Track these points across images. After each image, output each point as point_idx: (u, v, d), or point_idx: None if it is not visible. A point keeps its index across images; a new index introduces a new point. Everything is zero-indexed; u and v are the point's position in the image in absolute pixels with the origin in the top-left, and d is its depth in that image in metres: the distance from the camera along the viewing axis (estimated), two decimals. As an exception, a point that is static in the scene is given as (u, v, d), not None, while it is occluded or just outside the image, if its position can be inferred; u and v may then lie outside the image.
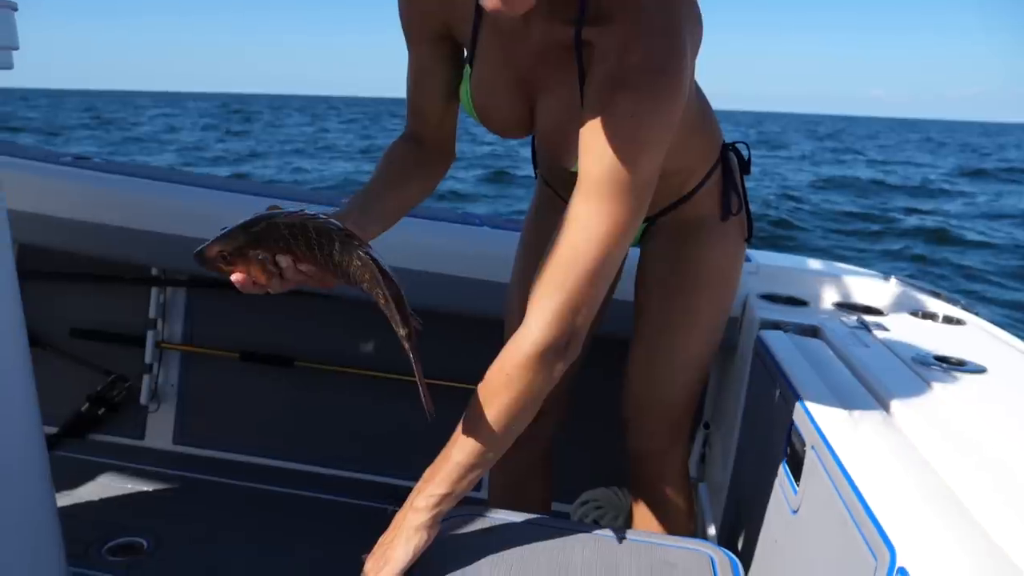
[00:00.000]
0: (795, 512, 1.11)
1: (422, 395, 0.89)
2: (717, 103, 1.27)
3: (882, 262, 9.19)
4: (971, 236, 11.43)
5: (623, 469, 1.46)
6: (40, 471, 1.43)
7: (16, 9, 1.21)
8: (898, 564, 0.76)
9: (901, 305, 1.76)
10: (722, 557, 1.02)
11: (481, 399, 0.94)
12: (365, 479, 2.19)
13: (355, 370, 2.18)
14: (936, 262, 9.62)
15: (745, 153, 1.31)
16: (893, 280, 1.93)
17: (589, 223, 0.89)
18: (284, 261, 0.89)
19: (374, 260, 0.86)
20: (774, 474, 1.22)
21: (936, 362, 1.27)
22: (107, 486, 2.06)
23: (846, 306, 1.75)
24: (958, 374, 1.22)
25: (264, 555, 1.81)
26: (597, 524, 1.20)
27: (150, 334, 2.24)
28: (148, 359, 2.24)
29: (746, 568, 1.02)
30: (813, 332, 1.52)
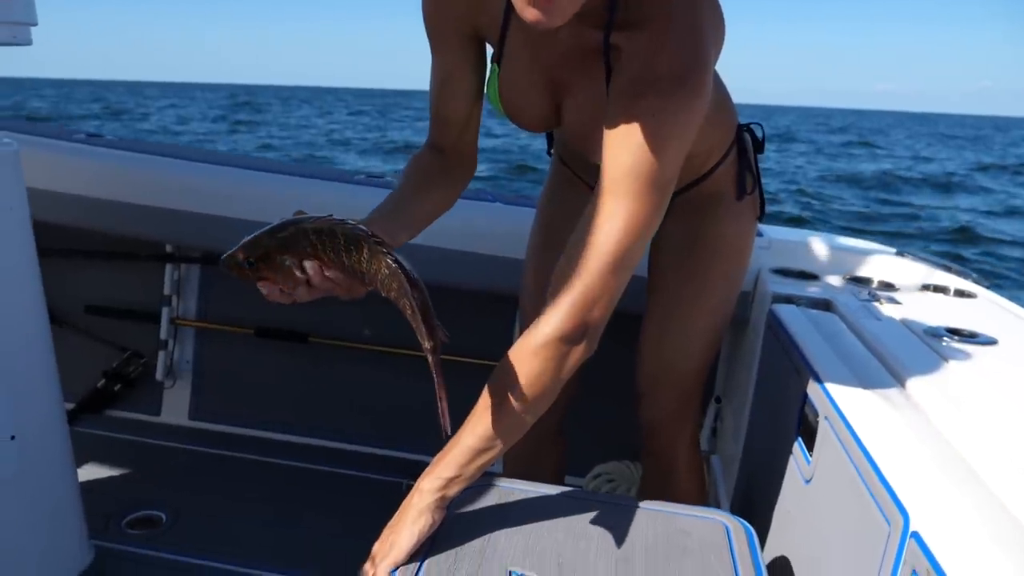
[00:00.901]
0: (808, 482, 1.12)
1: (440, 411, 0.88)
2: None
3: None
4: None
5: (635, 443, 1.47)
6: (62, 447, 1.46)
7: None
8: (912, 529, 0.77)
9: (912, 278, 1.77)
10: (736, 525, 1.03)
11: (495, 386, 0.95)
12: (379, 453, 2.22)
13: (369, 346, 2.20)
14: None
15: (759, 133, 1.33)
16: (905, 254, 1.94)
17: (611, 218, 0.91)
18: (311, 267, 0.87)
19: (403, 268, 0.85)
20: (787, 445, 1.23)
21: (948, 334, 1.28)
22: (124, 461, 2.09)
23: (858, 280, 1.75)
24: (969, 346, 1.23)
25: (280, 528, 1.84)
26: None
27: (165, 311, 2.26)
28: (163, 335, 2.26)
29: (760, 537, 1.03)
30: (825, 306, 1.53)
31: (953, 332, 1.29)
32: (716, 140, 1.25)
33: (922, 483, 0.82)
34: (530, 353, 0.94)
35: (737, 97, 1.36)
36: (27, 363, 1.37)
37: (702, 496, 1.45)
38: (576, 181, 1.36)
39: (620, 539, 0.99)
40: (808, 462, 1.13)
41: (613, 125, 0.92)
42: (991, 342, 1.26)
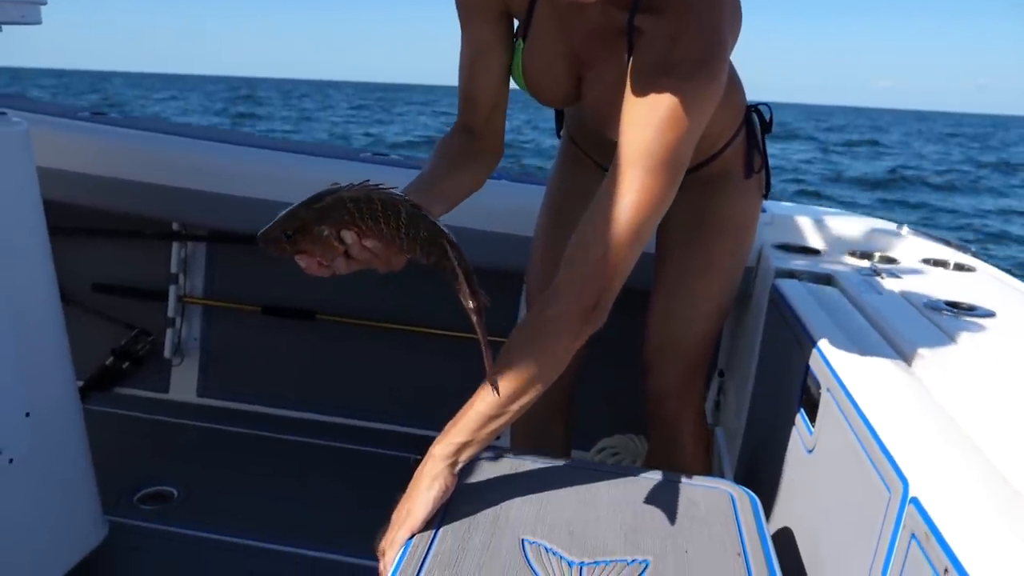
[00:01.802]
0: (810, 452, 1.14)
1: (487, 366, 0.90)
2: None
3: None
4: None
5: (639, 417, 1.49)
6: (76, 423, 1.48)
7: None
8: (911, 495, 0.79)
9: (913, 253, 1.78)
10: (741, 494, 1.06)
11: (508, 353, 0.97)
12: (387, 429, 2.24)
13: (376, 323, 2.22)
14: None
15: (767, 114, 1.36)
16: (905, 228, 1.95)
17: (626, 192, 0.94)
18: (349, 237, 0.87)
19: (443, 231, 0.85)
20: (789, 417, 1.26)
21: (947, 307, 1.30)
22: (134, 438, 2.12)
23: (859, 254, 1.77)
24: (968, 319, 1.25)
25: (289, 502, 1.86)
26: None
27: (172, 289, 2.27)
28: (171, 313, 2.28)
29: (764, 506, 1.05)
30: (827, 280, 1.54)
31: (952, 305, 1.31)
32: (728, 121, 1.27)
33: (921, 451, 0.84)
34: (544, 322, 0.96)
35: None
36: (40, 341, 1.39)
37: (708, 467, 1.48)
38: (586, 161, 1.38)
39: (629, 508, 1.01)
40: (810, 433, 1.15)
41: (632, 104, 0.96)
42: (989, 314, 1.28)
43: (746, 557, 0.92)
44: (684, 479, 1.09)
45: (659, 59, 0.95)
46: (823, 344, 1.16)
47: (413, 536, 0.93)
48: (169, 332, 2.29)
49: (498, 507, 0.99)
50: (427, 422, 2.21)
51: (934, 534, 0.72)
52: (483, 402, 0.96)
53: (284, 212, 0.86)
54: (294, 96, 61.99)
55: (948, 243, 1.85)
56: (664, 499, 1.03)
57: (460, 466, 0.97)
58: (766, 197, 1.39)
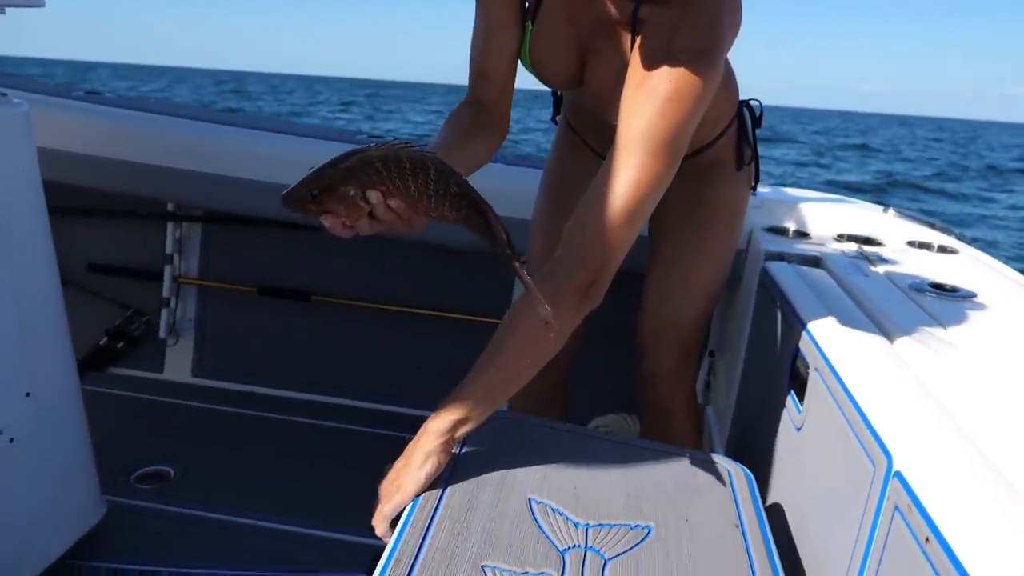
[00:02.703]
0: (799, 429, 1.17)
1: (538, 304, 0.88)
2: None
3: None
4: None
5: (632, 397, 1.52)
6: (75, 403, 1.49)
7: None
8: (895, 469, 0.82)
9: (898, 235, 1.82)
10: (737, 470, 1.09)
11: (505, 332, 0.99)
12: (382, 409, 2.26)
13: (372, 304, 2.24)
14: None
15: (758, 108, 1.40)
16: (891, 211, 1.99)
17: (625, 173, 0.98)
18: (374, 196, 0.87)
19: (472, 187, 0.86)
20: (779, 396, 1.29)
21: (931, 289, 1.33)
22: (129, 418, 2.13)
23: (846, 237, 1.80)
24: (951, 300, 1.29)
25: (285, 481, 1.88)
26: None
27: (167, 269, 2.28)
28: (166, 293, 2.28)
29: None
30: (815, 262, 1.57)
31: (936, 287, 1.34)
32: (722, 111, 1.31)
33: (904, 427, 0.87)
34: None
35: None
36: (41, 322, 1.40)
37: (699, 445, 1.52)
38: (583, 147, 1.42)
39: (630, 475, 1.03)
40: (799, 411, 1.18)
41: (633, 90, 1.00)
42: (970, 296, 1.32)
43: (743, 529, 0.96)
44: (682, 452, 1.12)
45: (661, 47, 0.99)
46: (811, 325, 1.19)
47: (403, 511, 0.94)
48: (164, 312, 2.29)
49: (504, 468, 1.00)
50: (422, 402, 2.23)
51: (916, 506, 0.75)
52: (480, 380, 0.98)
53: (309, 173, 0.86)
54: (282, 91, 61.23)
55: (933, 225, 1.89)
56: (664, 469, 1.06)
57: (454, 444, 0.98)
58: (754, 190, 1.44)
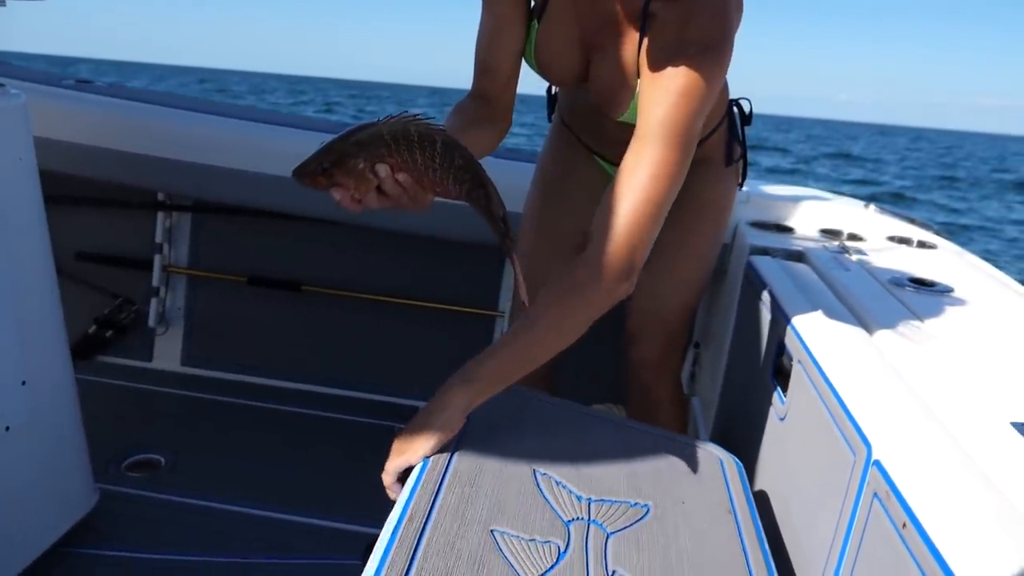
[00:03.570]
0: (783, 420, 1.21)
1: (520, 290, 0.95)
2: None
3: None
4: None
5: (618, 386, 1.55)
6: (69, 392, 1.49)
7: None
8: (874, 457, 0.85)
9: (879, 231, 1.86)
10: (728, 458, 1.13)
11: (537, 308, 1.01)
12: (370, 399, 2.28)
13: (361, 295, 2.25)
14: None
15: (747, 107, 1.43)
16: (872, 207, 2.03)
17: (644, 165, 1.01)
18: (383, 171, 0.89)
19: (477, 161, 0.89)
20: (763, 387, 1.32)
21: (910, 283, 1.37)
22: (118, 406, 2.13)
23: (828, 232, 1.84)
24: (929, 294, 1.33)
25: (276, 470, 1.90)
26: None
27: (157, 258, 2.28)
28: (155, 283, 2.28)
29: None
30: (799, 257, 1.61)
31: (914, 281, 1.38)
32: (717, 106, 1.33)
33: (883, 418, 0.90)
34: (576, 285, 1.01)
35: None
36: (37, 310, 1.40)
37: (684, 433, 1.55)
38: (577, 144, 1.44)
39: (628, 455, 1.06)
40: (783, 402, 1.21)
41: (648, 83, 1.04)
42: (948, 290, 1.36)
43: (735, 514, 0.99)
44: (676, 438, 1.15)
45: (671, 41, 1.03)
46: (795, 318, 1.22)
47: (412, 469, 0.95)
48: (153, 301, 2.29)
49: (509, 439, 1.02)
50: (411, 392, 2.26)
51: (894, 493, 0.78)
52: (507, 351, 1.00)
53: (320, 148, 0.89)
54: (265, 90, 60.41)
55: (912, 221, 1.93)
56: (660, 453, 1.09)
57: (471, 409, 0.98)
58: (741, 186, 1.46)
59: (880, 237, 1.80)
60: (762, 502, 1.22)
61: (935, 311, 1.24)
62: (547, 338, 1.01)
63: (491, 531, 0.85)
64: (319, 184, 0.90)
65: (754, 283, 1.50)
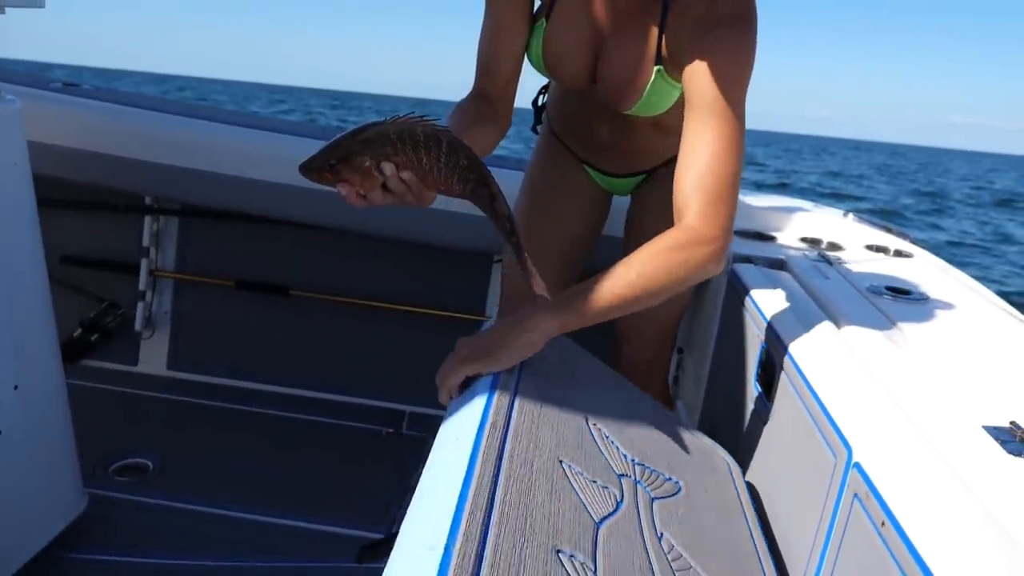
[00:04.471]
0: (766, 423, 1.24)
1: (529, 274, 0.95)
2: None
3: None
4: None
5: None
6: (60, 396, 1.50)
7: None
8: (854, 460, 0.88)
9: (857, 239, 1.90)
10: (731, 459, 1.17)
11: (642, 254, 1.01)
12: (358, 403, 2.29)
13: (349, 299, 2.26)
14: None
15: None
16: (851, 216, 2.08)
17: (714, 140, 1.04)
18: (388, 168, 0.90)
19: (481, 161, 0.91)
20: (746, 392, 1.35)
21: (887, 292, 1.41)
22: (104, 410, 2.13)
23: (809, 240, 1.88)
24: (905, 302, 1.37)
25: (263, 473, 1.91)
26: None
27: (144, 262, 2.28)
28: (142, 287, 2.28)
29: None
30: (780, 265, 1.64)
31: (892, 289, 1.42)
32: None
33: (863, 422, 0.93)
34: (682, 245, 1.02)
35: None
36: (29, 315, 1.41)
37: None
38: (565, 153, 1.47)
39: (663, 432, 1.08)
40: (766, 406, 1.25)
41: (690, 62, 1.06)
42: (923, 298, 1.40)
43: (744, 515, 1.03)
44: (696, 432, 1.18)
45: (701, 18, 1.06)
46: (777, 325, 1.25)
47: (478, 376, 0.93)
48: (140, 305, 2.29)
49: (562, 387, 1.01)
50: (398, 396, 2.27)
51: (873, 493, 0.81)
52: (600, 290, 0.98)
53: (327, 144, 0.91)
54: (247, 100, 59.89)
55: (889, 230, 1.98)
56: (688, 440, 1.12)
57: (551, 337, 0.97)
58: None
59: (859, 246, 1.85)
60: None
61: (911, 319, 1.28)
62: (642, 286, 0.99)
63: (559, 459, 0.84)
64: (325, 180, 0.92)
65: (737, 290, 1.53)
